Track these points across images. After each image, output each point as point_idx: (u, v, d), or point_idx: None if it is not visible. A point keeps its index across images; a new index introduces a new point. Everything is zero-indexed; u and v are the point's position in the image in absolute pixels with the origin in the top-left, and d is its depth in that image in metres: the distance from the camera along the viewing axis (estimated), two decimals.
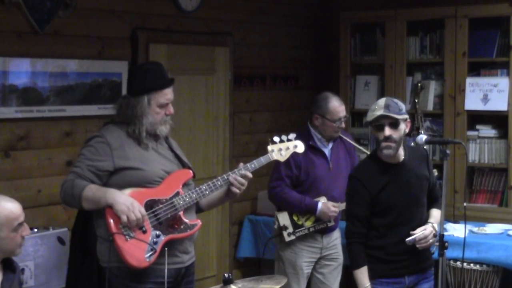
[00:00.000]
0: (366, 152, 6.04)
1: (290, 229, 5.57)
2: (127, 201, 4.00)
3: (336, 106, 5.54)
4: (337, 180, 5.61)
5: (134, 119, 4.15)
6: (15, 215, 3.60)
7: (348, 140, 5.74)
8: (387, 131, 4.35)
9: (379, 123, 4.36)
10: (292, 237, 5.58)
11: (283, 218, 5.59)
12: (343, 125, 5.60)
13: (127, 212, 3.98)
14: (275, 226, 5.68)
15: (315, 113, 5.56)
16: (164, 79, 4.25)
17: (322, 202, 5.51)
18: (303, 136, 5.23)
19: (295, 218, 5.58)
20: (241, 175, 4.25)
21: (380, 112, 4.35)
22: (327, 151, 5.61)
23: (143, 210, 4.03)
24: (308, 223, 5.58)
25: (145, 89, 4.16)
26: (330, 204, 5.50)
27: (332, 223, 5.58)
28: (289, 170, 5.53)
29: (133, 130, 4.16)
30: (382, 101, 4.40)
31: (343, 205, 5.58)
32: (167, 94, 4.21)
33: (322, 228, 5.60)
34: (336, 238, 5.73)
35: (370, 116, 4.40)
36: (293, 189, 5.56)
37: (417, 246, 4.39)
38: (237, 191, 4.27)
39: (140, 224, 4.02)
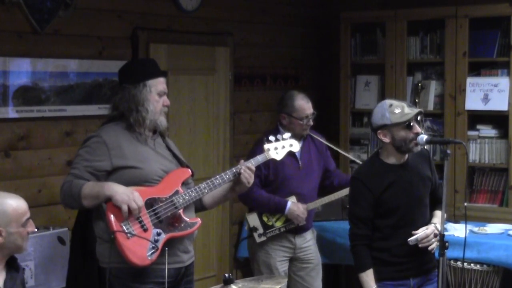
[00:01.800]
0: (338, 150, 6.02)
1: (261, 230, 5.58)
2: (127, 191, 4.01)
3: (302, 103, 5.53)
4: (307, 179, 5.60)
5: (137, 106, 4.16)
6: (23, 210, 3.63)
7: (319, 139, 5.73)
8: (418, 127, 4.38)
9: (410, 122, 4.36)
10: (263, 238, 5.58)
11: (253, 220, 5.60)
12: (310, 122, 5.58)
13: (127, 201, 3.97)
14: (246, 228, 5.69)
15: (282, 112, 5.57)
16: (159, 69, 4.33)
17: (292, 202, 5.50)
18: (272, 135, 5.22)
19: (264, 219, 5.59)
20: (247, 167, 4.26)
21: (412, 109, 4.37)
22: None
23: (141, 200, 4.02)
24: (278, 224, 5.58)
25: (144, 76, 4.20)
26: (301, 206, 5.49)
27: (302, 223, 5.56)
28: (257, 170, 5.51)
29: (136, 118, 4.16)
30: (396, 102, 4.43)
31: (318, 202, 5.58)
32: (163, 83, 4.28)
33: (294, 228, 5.59)
34: (310, 239, 5.73)
35: (399, 117, 4.35)
36: (263, 189, 5.55)
37: (419, 245, 4.39)
38: (247, 184, 4.26)
39: (140, 212, 4.01)
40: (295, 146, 4.47)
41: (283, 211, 5.52)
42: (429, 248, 4.42)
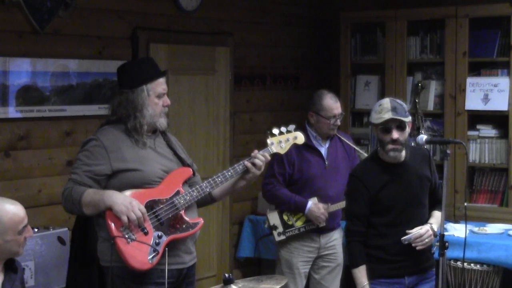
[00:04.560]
0: (364, 154, 6.03)
1: (280, 229, 5.57)
2: (125, 201, 3.97)
3: (331, 103, 5.53)
4: (334, 179, 5.59)
5: (135, 112, 4.12)
6: (20, 218, 3.61)
7: (346, 141, 5.73)
8: (395, 134, 4.34)
9: (386, 126, 4.35)
10: (282, 237, 5.57)
11: (273, 218, 5.59)
12: (338, 122, 5.58)
13: (126, 212, 3.94)
14: (266, 226, 5.69)
15: (310, 110, 5.58)
16: (158, 70, 4.26)
17: (312, 202, 5.49)
18: None
19: (285, 217, 5.58)
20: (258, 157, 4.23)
21: (388, 115, 4.33)
22: (323, 150, 5.60)
23: (142, 208, 3.99)
24: (298, 223, 5.57)
25: (142, 80, 4.15)
26: (321, 205, 5.47)
27: (322, 224, 5.55)
28: (282, 168, 5.54)
29: (133, 125, 4.12)
30: (387, 103, 4.38)
31: (341, 204, 5.58)
32: (163, 83, 4.21)
33: (315, 229, 5.57)
34: (335, 239, 5.71)
35: (376, 119, 4.36)
36: (288, 188, 5.55)
37: (413, 245, 4.39)
38: (257, 172, 4.22)
39: (141, 223, 4.00)
40: (300, 139, 4.40)
41: (303, 211, 5.52)
42: (413, 245, 4.40)
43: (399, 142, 4.36)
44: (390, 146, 4.36)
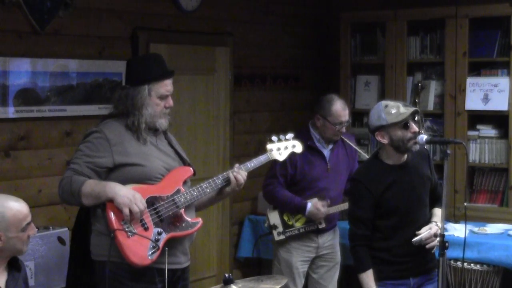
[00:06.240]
0: (366, 156, 6.04)
1: (280, 229, 5.60)
2: (128, 193, 3.94)
3: (339, 109, 5.54)
4: (335, 181, 5.60)
5: (134, 110, 4.09)
6: (23, 215, 3.61)
7: (350, 143, 5.73)
8: (415, 126, 4.37)
9: (406, 122, 4.36)
10: (282, 237, 5.60)
11: (273, 217, 5.62)
12: (344, 129, 5.59)
13: (129, 204, 3.92)
14: (265, 225, 5.70)
15: (318, 113, 5.59)
16: (165, 70, 4.21)
17: (311, 203, 5.49)
18: (302, 135, 5.24)
19: (285, 218, 5.61)
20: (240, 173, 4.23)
21: (408, 109, 4.37)
22: (326, 152, 5.61)
23: (144, 202, 3.97)
24: (298, 224, 5.59)
25: (146, 79, 4.11)
26: (320, 204, 5.49)
27: (322, 225, 5.57)
28: (284, 170, 5.55)
29: (132, 121, 4.09)
30: (391, 102, 4.43)
31: (341, 206, 5.59)
32: (168, 85, 4.16)
33: (313, 229, 5.59)
34: (332, 238, 5.73)
35: (395, 117, 4.35)
36: (290, 188, 5.56)
37: (427, 247, 4.38)
38: (236, 188, 4.24)
39: (142, 216, 3.97)
40: (298, 148, 4.46)
41: (303, 213, 5.53)
42: (427, 246, 4.40)
43: (417, 134, 4.38)
44: (412, 141, 4.38)
